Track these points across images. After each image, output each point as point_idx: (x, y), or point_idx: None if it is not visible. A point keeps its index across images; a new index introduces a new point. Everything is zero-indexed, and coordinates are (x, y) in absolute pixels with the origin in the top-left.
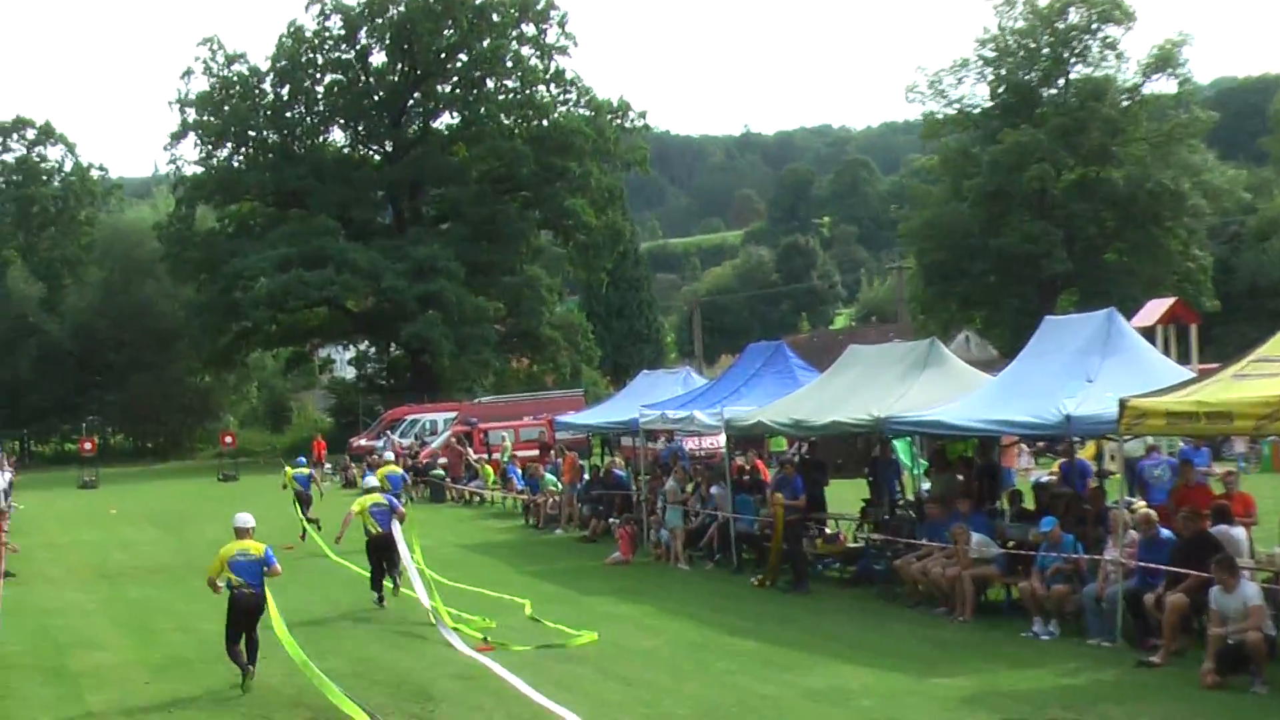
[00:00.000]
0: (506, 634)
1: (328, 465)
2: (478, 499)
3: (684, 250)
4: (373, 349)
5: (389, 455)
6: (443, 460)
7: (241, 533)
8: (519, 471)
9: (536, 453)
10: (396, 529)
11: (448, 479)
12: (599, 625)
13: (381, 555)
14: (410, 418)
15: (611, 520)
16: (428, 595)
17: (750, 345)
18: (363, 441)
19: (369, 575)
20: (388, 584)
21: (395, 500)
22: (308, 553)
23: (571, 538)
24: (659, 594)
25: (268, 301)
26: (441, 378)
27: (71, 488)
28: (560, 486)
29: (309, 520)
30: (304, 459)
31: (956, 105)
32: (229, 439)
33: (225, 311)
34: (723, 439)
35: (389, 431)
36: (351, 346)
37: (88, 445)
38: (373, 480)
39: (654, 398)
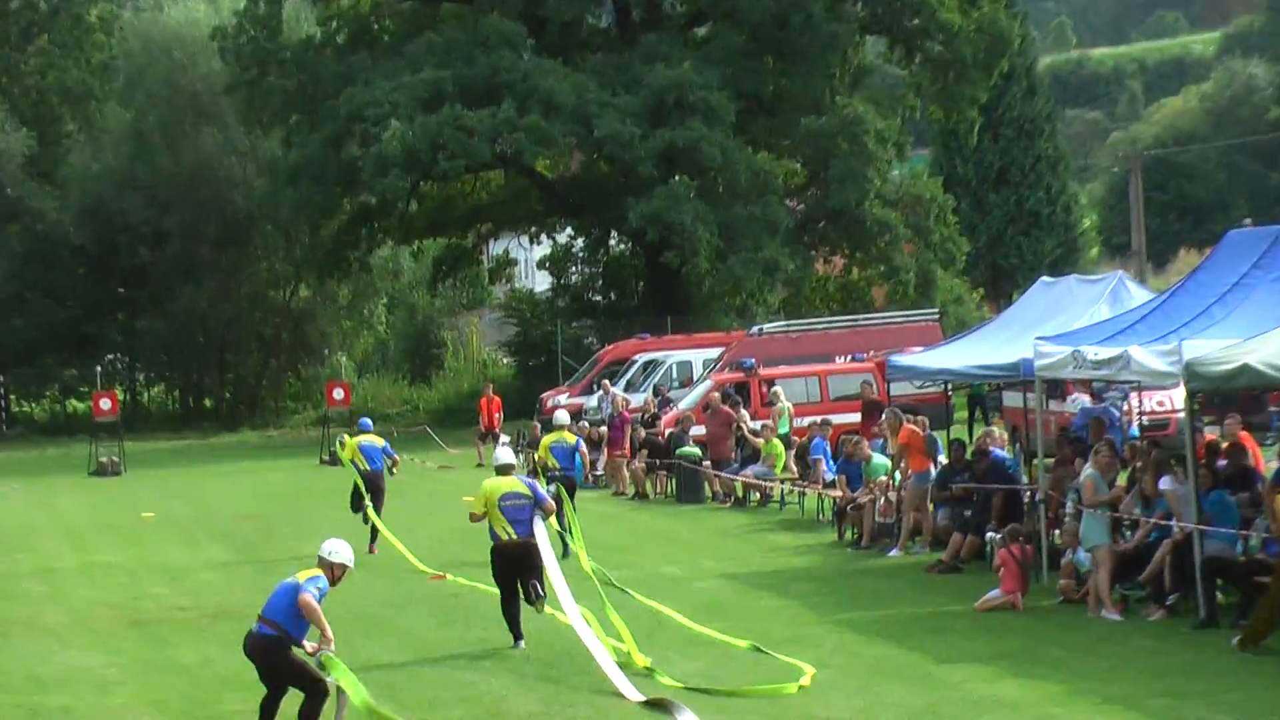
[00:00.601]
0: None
1: (504, 437)
2: (758, 496)
3: (1114, 69)
4: (580, 242)
5: (562, 416)
6: (699, 430)
7: (333, 568)
8: (829, 450)
9: (857, 418)
10: (540, 532)
11: (707, 461)
12: (966, 716)
13: (514, 572)
14: (643, 358)
15: (988, 535)
16: (584, 623)
17: (1230, 233)
18: (563, 399)
19: (500, 602)
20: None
21: (538, 487)
22: (401, 568)
23: (918, 562)
24: (1072, 663)
25: (405, 161)
26: (697, 291)
27: (79, 474)
28: (898, 476)
29: (367, 513)
30: (369, 421)
31: None
32: (339, 393)
33: (334, 178)
34: (1181, 395)
35: (607, 381)
36: (545, 238)
37: (105, 404)
38: (506, 455)
39: (1061, 324)
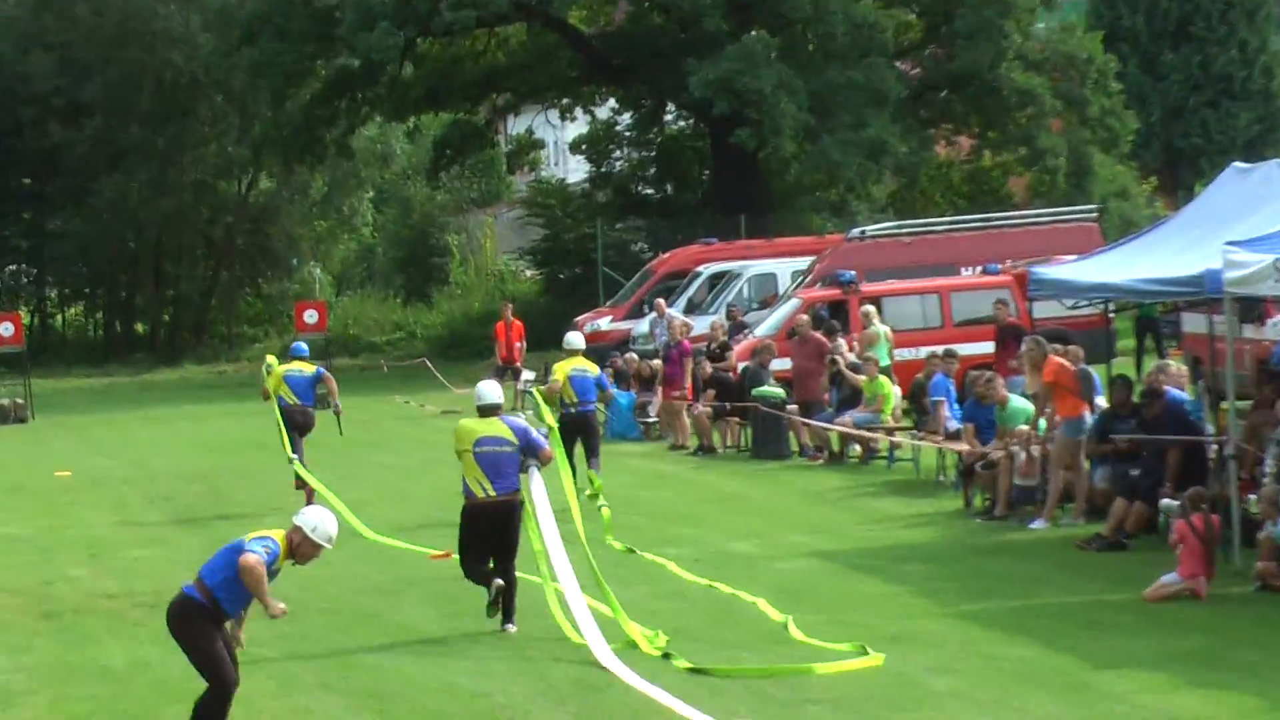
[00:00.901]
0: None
1: (528, 374)
2: (859, 450)
3: None
4: (627, 118)
5: (575, 339)
6: (782, 364)
7: (297, 529)
8: (953, 391)
9: (990, 348)
10: (537, 483)
11: (792, 405)
12: None
13: (487, 539)
14: (709, 270)
15: (1162, 502)
16: (584, 607)
17: None
18: (603, 324)
19: (469, 578)
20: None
21: (530, 432)
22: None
23: (1068, 537)
24: (1271, 669)
25: (396, 11)
26: (780, 181)
27: None
28: (1042, 425)
29: (295, 459)
30: (304, 346)
31: None
32: (312, 315)
33: (304, 33)
34: None
35: (661, 300)
36: (580, 113)
37: (6, 329)
38: (489, 391)
39: (1259, 224)
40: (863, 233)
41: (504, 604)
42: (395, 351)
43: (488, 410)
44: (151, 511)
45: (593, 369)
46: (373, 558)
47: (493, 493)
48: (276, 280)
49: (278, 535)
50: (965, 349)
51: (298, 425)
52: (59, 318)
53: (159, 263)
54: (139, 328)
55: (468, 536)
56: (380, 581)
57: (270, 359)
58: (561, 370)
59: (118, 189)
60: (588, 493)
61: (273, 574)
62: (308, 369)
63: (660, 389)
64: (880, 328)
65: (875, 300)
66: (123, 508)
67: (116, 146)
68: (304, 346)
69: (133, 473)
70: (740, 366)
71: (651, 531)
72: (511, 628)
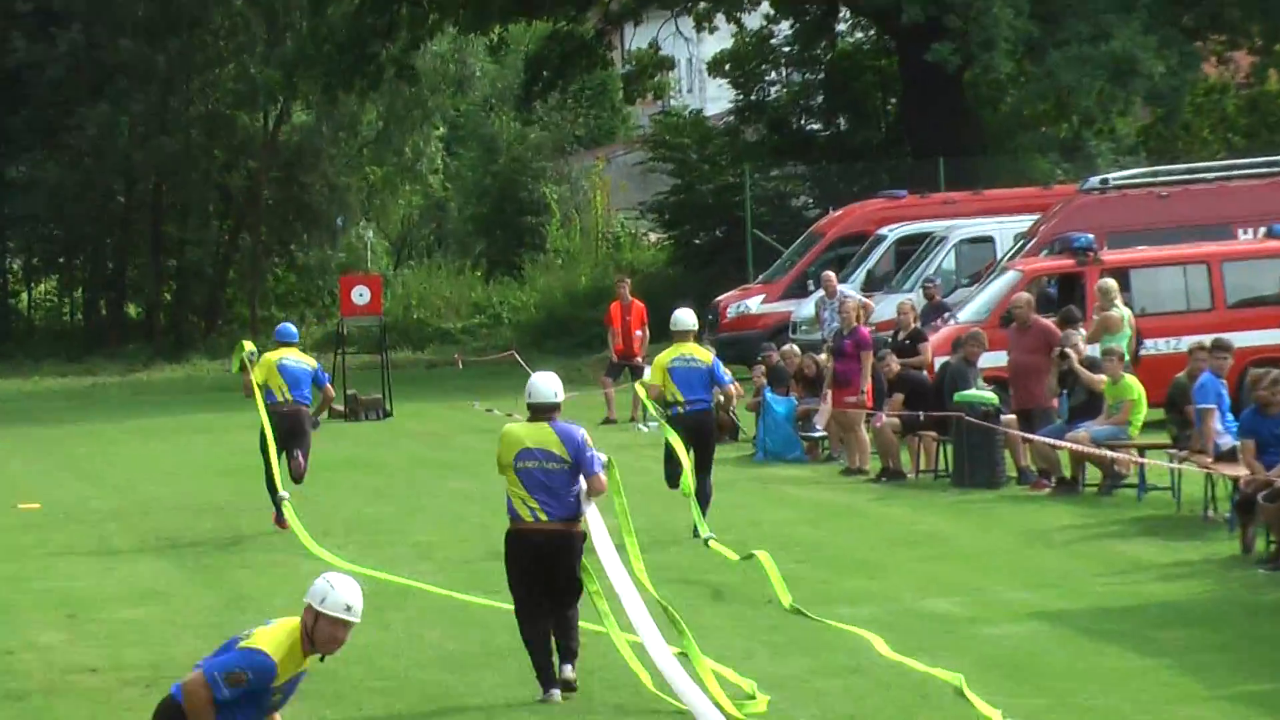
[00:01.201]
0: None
1: (649, 371)
2: (1100, 475)
3: None
4: (785, 27)
5: (685, 318)
6: (995, 359)
7: (315, 614)
8: (1226, 395)
9: (1276, 337)
10: (594, 518)
11: (1006, 412)
12: None
13: (537, 573)
14: (895, 232)
15: None
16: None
17: None
18: (753, 305)
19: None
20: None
21: (585, 447)
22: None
23: None
24: None
25: None
26: (991, 114)
27: None
28: None
29: (271, 473)
30: (292, 328)
31: None
32: (363, 294)
33: None
34: None
35: (832, 274)
36: (723, 21)
37: None
38: (545, 384)
39: None
40: (1104, 182)
41: (562, 644)
42: (474, 341)
43: (539, 411)
44: (147, 556)
45: (704, 357)
46: (442, 618)
47: (544, 517)
48: (315, 246)
49: (287, 631)
50: (1242, 339)
51: (286, 431)
52: (24, 296)
53: (158, 222)
54: (131, 310)
55: (513, 569)
56: (453, 650)
57: (248, 345)
58: (660, 362)
59: (103, 123)
60: (706, 537)
61: (288, 692)
62: (307, 361)
63: (829, 393)
64: (1123, 310)
65: (1120, 273)
66: (107, 551)
67: (101, 67)
68: (293, 329)
69: (122, 504)
70: (938, 363)
71: (817, 584)
72: (569, 671)
